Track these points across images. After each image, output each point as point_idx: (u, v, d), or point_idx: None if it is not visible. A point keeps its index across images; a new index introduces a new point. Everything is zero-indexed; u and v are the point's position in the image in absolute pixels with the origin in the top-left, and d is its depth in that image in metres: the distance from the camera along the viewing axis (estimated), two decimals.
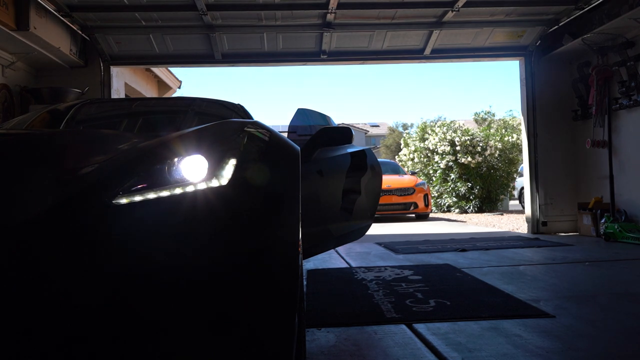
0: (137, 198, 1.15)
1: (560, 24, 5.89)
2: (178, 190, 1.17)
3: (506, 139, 12.92)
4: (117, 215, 1.11)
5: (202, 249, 1.09)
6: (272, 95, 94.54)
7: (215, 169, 1.23)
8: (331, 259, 4.44)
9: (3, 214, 1.10)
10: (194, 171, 1.23)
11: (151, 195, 1.15)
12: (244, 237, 1.14)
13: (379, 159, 4.38)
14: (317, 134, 2.56)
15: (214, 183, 1.20)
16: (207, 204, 1.17)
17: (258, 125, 1.52)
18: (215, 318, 1.05)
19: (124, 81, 6.95)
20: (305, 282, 3.32)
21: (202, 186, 1.18)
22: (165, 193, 1.17)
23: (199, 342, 1.03)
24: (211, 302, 1.05)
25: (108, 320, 1.00)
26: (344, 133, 2.53)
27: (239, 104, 2.87)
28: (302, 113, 2.83)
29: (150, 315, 1.02)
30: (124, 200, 1.14)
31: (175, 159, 1.26)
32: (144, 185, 1.19)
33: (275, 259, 1.17)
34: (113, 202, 1.13)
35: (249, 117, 2.73)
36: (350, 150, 3.03)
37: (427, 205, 9.69)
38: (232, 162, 1.25)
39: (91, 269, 1.03)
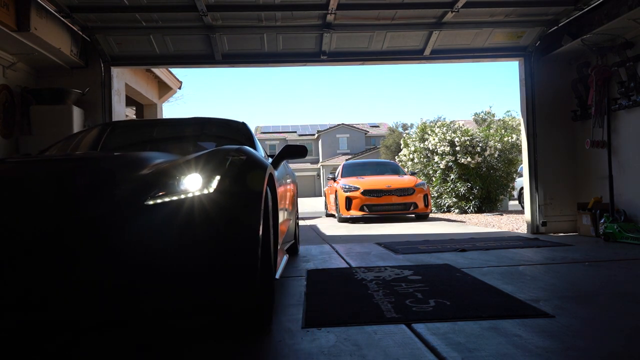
0: (158, 201, 1.89)
1: (560, 25, 5.90)
2: (183, 196, 1.91)
3: (506, 139, 12.93)
4: (146, 211, 1.86)
5: (199, 229, 1.85)
6: (272, 95, 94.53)
7: (206, 183, 1.96)
8: (331, 259, 4.45)
9: (79, 207, 1.86)
10: (192, 184, 1.95)
11: (167, 199, 1.89)
12: (224, 223, 1.90)
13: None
14: (283, 150, 3.49)
15: (205, 191, 1.93)
16: (201, 204, 1.89)
17: (240, 152, 2.23)
18: (209, 260, 1.84)
19: (124, 82, 6.95)
20: (305, 282, 3.33)
21: (198, 193, 1.92)
22: (175, 197, 1.90)
23: (200, 273, 1.83)
24: (202, 253, 1.83)
25: (151, 268, 1.78)
26: (299, 149, 3.49)
27: (242, 122, 3.70)
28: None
29: (171, 267, 1.79)
30: (151, 202, 1.88)
31: (182, 176, 1.99)
32: (163, 193, 1.92)
33: (239, 233, 1.91)
34: (145, 203, 1.88)
35: (249, 133, 3.52)
36: None
37: (426, 205, 9.70)
38: (217, 178, 1.98)
39: (131, 243, 1.79)
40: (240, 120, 3.79)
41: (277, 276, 2.64)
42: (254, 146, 3.29)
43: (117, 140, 3.53)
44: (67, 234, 1.76)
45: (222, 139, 3.56)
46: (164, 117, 10.36)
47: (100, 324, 1.93)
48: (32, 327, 1.80)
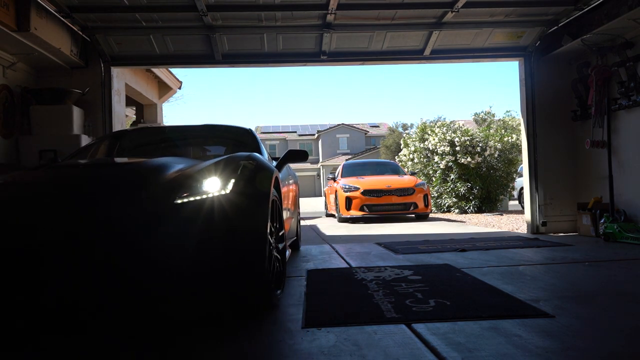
0: (185, 200, 2.27)
1: (560, 25, 5.90)
2: (204, 196, 2.29)
3: (506, 139, 12.93)
4: (176, 209, 2.23)
5: (218, 223, 2.24)
6: (272, 95, 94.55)
7: (223, 185, 2.35)
8: (331, 259, 4.45)
9: (124, 205, 2.24)
10: (212, 186, 2.34)
11: (191, 199, 2.28)
12: (237, 218, 2.29)
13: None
14: (286, 154, 3.86)
15: (222, 192, 2.32)
16: (219, 203, 2.28)
17: (250, 158, 2.66)
18: (228, 247, 2.25)
19: (124, 82, 6.95)
20: (305, 282, 3.33)
21: (217, 194, 2.31)
22: (198, 197, 2.28)
23: (220, 259, 2.23)
24: (220, 242, 2.23)
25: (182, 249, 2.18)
26: (302, 154, 3.87)
27: (249, 129, 4.12)
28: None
29: (196, 253, 2.18)
30: (179, 201, 2.26)
31: (203, 180, 2.38)
32: (188, 194, 2.30)
33: (251, 226, 2.34)
34: (174, 202, 2.26)
35: (255, 139, 3.94)
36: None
37: (427, 205, 9.70)
38: (232, 181, 2.38)
39: (165, 234, 2.16)
40: (247, 127, 4.20)
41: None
42: (259, 151, 3.70)
43: (136, 147, 4.03)
44: (115, 226, 2.14)
45: (231, 144, 4.00)
46: (164, 117, 10.38)
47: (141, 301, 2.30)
48: (77, 309, 2.23)
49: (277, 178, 2.81)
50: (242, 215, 2.30)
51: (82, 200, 2.25)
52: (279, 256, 2.81)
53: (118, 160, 3.22)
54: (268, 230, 2.39)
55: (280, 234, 2.93)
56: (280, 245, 2.90)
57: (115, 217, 2.16)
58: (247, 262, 2.28)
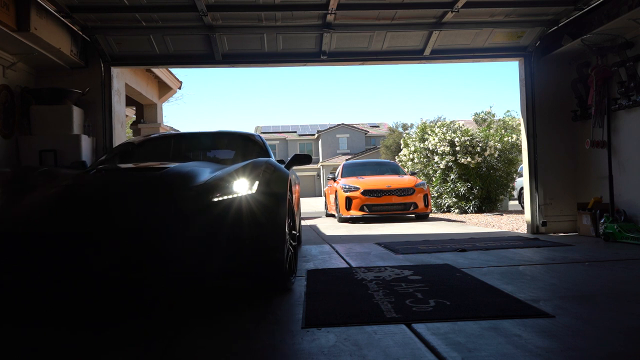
0: (220, 199, 2.74)
1: (560, 25, 5.90)
2: (235, 196, 2.75)
3: (506, 139, 12.93)
4: (214, 205, 2.71)
5: (246, 218, 2.68)
6: (272, 95, 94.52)
7: (250, 186, 2.81)
8: (331, 259, 4.45)
9: (173, 201, 2.74)
10: (241, 187, 2.80)
11: (224, 198, 2.75)
12: (263, 214, 2.73)
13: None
14: (292, 158, 4.43)
15: (249, 192, 2.78)
16: (247, 201, 2.73)
17: (269, 163, 3.09)
18: (255, 238, 2.69)
19: (124, 82, 6.96)
20: (305, 282, 3.34)
21: (244, 194, 2.76)
22: (230, 196, 2.75)
23: (248, 249, 2.70)
24: (249, 233, 2.68)
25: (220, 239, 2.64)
26: (306, 158, 4.47)
27: (258, 135, 4.75)
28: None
29: (228, 241, 2.64)
30: (215, 199, 2.73)
31: (233, 181, 2.86)
32: (221, 193, 2.77)
33: (274, 221, 2.79)
34: (212, 200, 2.74)
35: (264, 144, 4.55)
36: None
37: (426, 205, 9.70)
38: (257, 183, 2.83)
39: (205, 225, 2.62)
40: (256, 133, 4.75)
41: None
42: (268, 154, 4.25)
43: (158, 151, 4.50)
44: (168, 219, 2.60)
45: (242, 150, 4.49)
46: (164, 117, 10.40)
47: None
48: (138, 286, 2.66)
49: (290, 180, 3.20)
50: (267, 212, 2.74)
51: (143, 199, 2.74)
52: (292, 247, 3.22)
53: (162, 165, 3.56)
54: (286, 225, 2.86)
55: (292, 226, 3.35)
56: (293, 238, 3.33)
57: (169, 212, 2.64)
58: (270, 251, 2.75)
